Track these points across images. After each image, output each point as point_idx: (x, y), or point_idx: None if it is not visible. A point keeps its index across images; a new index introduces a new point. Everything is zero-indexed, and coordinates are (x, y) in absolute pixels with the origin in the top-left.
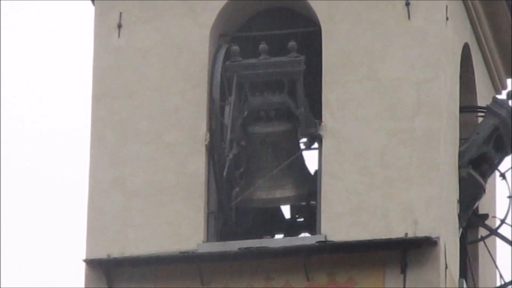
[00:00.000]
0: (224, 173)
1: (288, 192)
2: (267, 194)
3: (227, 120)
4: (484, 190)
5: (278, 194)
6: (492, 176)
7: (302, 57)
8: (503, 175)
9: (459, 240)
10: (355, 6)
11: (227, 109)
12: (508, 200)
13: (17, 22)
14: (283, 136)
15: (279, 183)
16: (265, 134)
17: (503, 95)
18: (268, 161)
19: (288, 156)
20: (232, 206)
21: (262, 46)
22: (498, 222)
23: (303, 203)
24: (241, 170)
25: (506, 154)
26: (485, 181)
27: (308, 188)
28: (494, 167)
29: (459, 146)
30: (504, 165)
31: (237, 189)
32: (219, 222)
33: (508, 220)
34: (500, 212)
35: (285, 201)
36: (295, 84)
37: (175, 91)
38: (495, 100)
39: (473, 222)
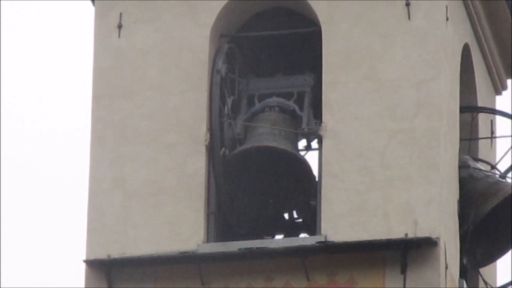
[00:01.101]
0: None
1: (285, 146)
2: (261, 141)
3: (228, 117)
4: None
5: (272, 144)
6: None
7: (314, 75)
8: (495, 168)
9: (459, 239)
10: (355, 6)
11: (227, 106)
12: None
13: (17, 22)
14: (283, 119)
15: (274, 139)
16: (265, 114)
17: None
18: (264, 129)
19: (286, 134)
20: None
21: (278, 75)
22: None
23: (303, 203)
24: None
25: None
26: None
27: (300, 159)
28: None
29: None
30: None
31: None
32: (219, 222)
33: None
34: None
35: (278, 145)
36: (303, 95)
37: (175, 91)
38: None
39: None
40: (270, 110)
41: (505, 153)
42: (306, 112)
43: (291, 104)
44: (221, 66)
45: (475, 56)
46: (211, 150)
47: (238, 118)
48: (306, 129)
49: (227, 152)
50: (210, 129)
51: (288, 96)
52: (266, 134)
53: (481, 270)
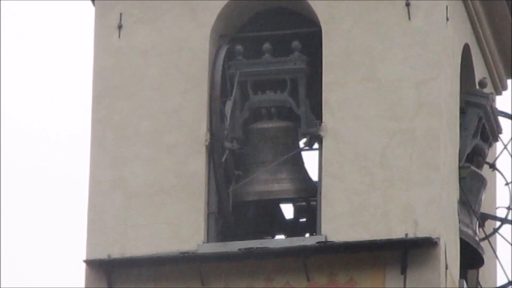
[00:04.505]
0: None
1: (286, 186)
2: (264, 188)
3: (228, 118)
4: (486, 182)
5: (276, 187)
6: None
7: (305, 57)
8: (493, 166)
9: (459, 240)
10: (355, 6)
11: (227, 106)
12: (506, 187)
13: (17, 22)
14: (283, 132)
15: (277, 177)
16: (265, 129)
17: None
18: (266, 156)
19: (287, 152)
20: (230, 202)
21: (266, 45)
22: (505, 212)
23: (303, 203)
24: (240, 166)
25: (491, 143)
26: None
27: (306, 187)
28: (485, 157)
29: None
30: (490, 156)
31: (233, 184)
32: (219, 222)
33: None
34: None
35: (283, 194)
36: (297, 83)
37: (175, 91)
38: (471, 92)
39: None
40: (267, 112)
41: (501, 151)
42: (303, 108)
43: (287, 98)
44: (223, 62)
45: (475, 56)
46: (211, 150)
47: (235, 115)
48: (307, 140)
49: (228, 158)
50: (210, 129)
51: (281, 85)
52: (270, 181)
53: (481, 269)
